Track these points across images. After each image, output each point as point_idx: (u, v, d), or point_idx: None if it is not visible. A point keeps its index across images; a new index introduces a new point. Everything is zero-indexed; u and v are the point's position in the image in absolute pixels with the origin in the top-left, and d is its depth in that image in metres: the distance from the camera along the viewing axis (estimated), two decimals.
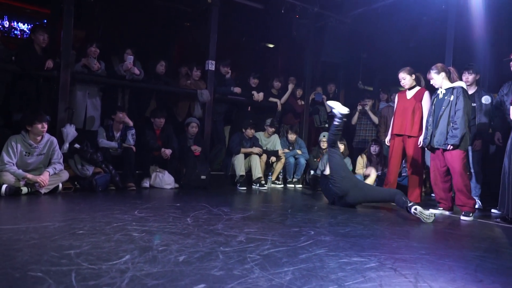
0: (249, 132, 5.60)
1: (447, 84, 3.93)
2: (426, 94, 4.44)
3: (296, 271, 1.79)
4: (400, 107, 4.59)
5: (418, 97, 4.49)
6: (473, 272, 1.96)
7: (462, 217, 3.74)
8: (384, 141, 5.48)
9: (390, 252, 2.26)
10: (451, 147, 3.74)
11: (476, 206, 4.54)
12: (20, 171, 3.72)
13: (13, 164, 3.72)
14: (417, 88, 4.53)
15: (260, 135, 6.00)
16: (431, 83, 4.06)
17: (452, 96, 3.81)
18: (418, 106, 4.46)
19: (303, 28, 6.59)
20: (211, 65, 5.71)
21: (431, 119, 4.01)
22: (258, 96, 6.15)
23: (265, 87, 6.53)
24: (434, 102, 4.04)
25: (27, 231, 2.29)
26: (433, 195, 5.54)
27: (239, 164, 5.39)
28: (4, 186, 3.58)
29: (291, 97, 6.72)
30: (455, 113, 3.77)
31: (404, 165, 5.07)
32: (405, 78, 4.47)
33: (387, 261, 2.05)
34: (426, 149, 4.29)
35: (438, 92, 4.00)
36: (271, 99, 6.43)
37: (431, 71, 4.01)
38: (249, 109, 6.59)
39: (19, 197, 3.62)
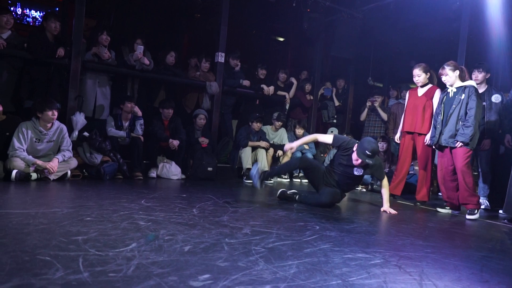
0: (256, 125, 5.59)
1: (459, 83, 3.87)
2: (438, 92, 4.38)
3: (301, 265, 1.79)
4: (410, 105, 4.54)
5: (429, 95, 4.43)
6: (478, 272, 1.95)
7: (468, 216, 3.71)
8: (392, 138, 5.46)
9: (395, 250, 2.25)
10: (460, 144, 3.69)
11: (484, 206, 4.51)
12: (30, 157, 3.77)
13: (24, 150, 3.77)
14: (429, 85, 4.47)
15: (268, 128, 5.99)
16: (443, 79, 3.97)
17: (464, 95, 3.76)
18: (429, 104, 4.41)
19: (314, 22, 6.54)
20: (220, 57, 5.70)
21: (440, 118, 3.96)
22: (268, 89, 6.13)
23: (273, 80, 6.51)
24: (444, 100, 3.97)
25: (36, 216, 2.32)
26: (440, 194, 5.52)
27: (246, 157, 5.40)
28: (14, 172, 3.63)
29: (299, 92, 6.69)
30: (466, 112, 3.72)
31: (412, 163, 5.03)
32: (420, 76, 4.41)
33: (392, 258, 2.04)
34: (433, 147, 4.24)
35: (449, 90, 3.94)
36: (280, 92, 6.41)
37: (446, 67, 3.90)
38: (257, 103, 6.58)
39: (29, 182, 3.67)
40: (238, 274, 1.61)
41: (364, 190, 5.62)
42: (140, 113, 4.88)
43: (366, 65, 7.66)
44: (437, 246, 2.45)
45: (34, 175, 3.77)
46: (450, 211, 4.01)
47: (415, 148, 4.52)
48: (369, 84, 7.62)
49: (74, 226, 2.16)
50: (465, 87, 3.79)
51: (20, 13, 6.37)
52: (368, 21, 6.70)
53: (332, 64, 7.90)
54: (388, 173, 5.27)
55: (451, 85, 3.91)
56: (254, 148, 5.58)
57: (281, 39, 8.28)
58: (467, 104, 3.72)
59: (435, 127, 4.04)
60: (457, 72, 3.86)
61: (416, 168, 5.23)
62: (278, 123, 5.98)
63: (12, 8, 6.14)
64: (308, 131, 6.58)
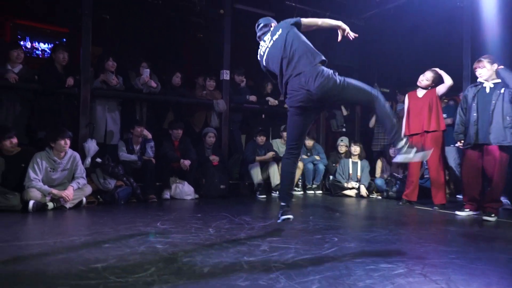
0: (260, 139, 5.58)
1: (495, 78, 3.71)
2: (438, 88, 4.39)
3: (323, 279, 1.75)
4: (413, 107, 4.53)
5: (431, 94, 4.42)
6: (508, 276, 1.88)
7: (485, 217, 3.61)
8: None
9: (418, 257, 2.20)
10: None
11: (507, 207, 4.41)
12: (46, 186, 3.81)
13: (39, 180, 3.81)
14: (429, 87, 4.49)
15: (277, 142, 5.98)
16: (478, 73, 3.78)
17: (503, 89, 3.60)
18: (433, 102, 4.38)
19: (315, 33, 6.56)
20: (225, 75, 5.75)
21: (475, 115, 3.73)
22: (274, 101, 6.15)
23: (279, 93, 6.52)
24: (477, 96, 3.78)
25: (55, 246, 2.33)
26: (458, 196, 5.42)
27: (255, 172, 5.39)
28: (31, 202, 3.66)
29: None
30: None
31: (426, 166, 4.96)
32: (429, 80, 4.42)
33: (416, 267, 1.99)
34: (448, 147, 4.16)
35: (485, 85, 3.74)
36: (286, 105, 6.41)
37: (484, 59, 3.71)
38: (263, 117, 6.58)
39: (46, 212, 3.69)
40: None
41: (380, 197, 5.54)
42: (150, 136, 4.92)
43: (371, 72, 7.64)
44: (461, 251, 2.38)
45: (50, 205, 3.80)
46: (470, 213, 3.91)
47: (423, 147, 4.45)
48: None
49: (92, 253, 2.15)
50: (504, 83, 3.63)
51: (29, 46, 6.54)
52: (369, 28, 6.71)
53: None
54: (403, 179, 5.22)
55: (487, 80, 3.75)
56: (264, 162, 5.56)
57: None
58: (510, 103, 3.56)
59: (463, 126, 3.89)
60: (495, 65, 3.71)
61: None
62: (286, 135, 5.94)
63: (22, 43, 6.31)
64: (318, 141, 6.55)
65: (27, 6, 6.13)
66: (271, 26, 3.05)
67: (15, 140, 3.88)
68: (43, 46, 6.67)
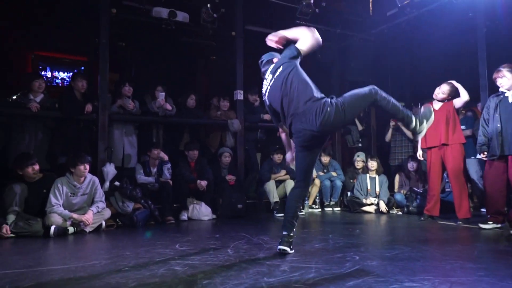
0: (277, 157, 5.58)
1: None
2: (455, 101, 4.33)
3: None
4: None
5: (448, 106, 4.37)
6: None
7: None
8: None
9: (444, 275, 2.12)
10: None
11: None
12: (66, 211, 3.87)
13: (60, 206, 3.88)
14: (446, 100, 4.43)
15: None
16: (498, 83, 3.73)
17: None
18: (451, 115, 4.32)
19: (327, 50, 6.62)
20: (239, 95, 5.81)
21: (499, 126, 3.66)
22: None
23: None
24: (499, 106, 3.71)
25: (76, 270, 2.35)
26: (483, 210, 5.25)
27: (272, 191, 5.36)
28: (52, 227, 3.72)
29: None
30: None
31: (447, 180, 4.84)
32: (445, 93, 4.38)
33: (443, 286, 1.91)
34: (469, 160, 4.07)
35: (507, 95, 3.69)
36: None
37: (503, 69, 3.66)
38: (278, 135, 6.58)
39: (67, 237, 3.74)
40: None
41: (400, 213, 5.42)
42: (166, 158, 4.97)
43: (384, 86, 7.58)
44: (489, 268, 2.29)
45: (71, 229, 3.85)
46: (494, 225, 3.77)
47: (443, 162, 4.36)
48: None
49: (113, 277, 2.16)
50: None
51: (50, 76, 6.77)
52: (381, 43, 6.72)
53: (350, 89, 7.87)
54: (423, 193, 5.10)
55: (508, 89, 3.69)
56: (281, 181, 5.53)
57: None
58: None
59: (486, 137, 3.83)
60: None
61: None
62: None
63: (43, 73, 6.54)
64: (334, 158, 6.49)
65: (47, 38, 6.38)
66: (273, 62, 2.94)
67: (37, 167, 3.98)
68: (62, 75, 6.89)
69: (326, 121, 2.49)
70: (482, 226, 3.81)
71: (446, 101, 4.43)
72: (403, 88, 7.54)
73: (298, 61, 2.77)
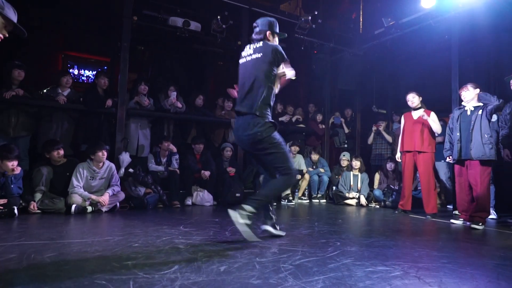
0: (293, 148, 5.63)
1: (475, 102, 3.76)
2: (433, 114, 4.33)
3: (326, 280, 1.72)
4: (408, 126, 4.50)
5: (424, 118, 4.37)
6: (495, 280, 1.82)
7: (474, 226, 3.50)
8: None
9: (413, 261, 2.14)
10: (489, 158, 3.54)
11: (492, 216, 4.27)
12: (86, 192, 3.88)
13: (81, 187, 3.88)
14: (422, 109, 4.42)
15: None
16: (462, 96, 3.83)
17: (481, 111, 3.65)
18: (426, 124, 4.34)
19: (321, 61, 6.62)
20: None
21: (459, 134, 3.76)
22: (286, 119, 6.24)
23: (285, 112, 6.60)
24: (460, 117, 3.81)
25: (92, 244, 2.36)
26: (449, 206, 5.28)
27: None
28: (73, 206, 3.73)
29: (312, 122, 6.69)
30: (487, 127, 3.59)
31: (419, 179, 4.87)
32: (415, 97, 4.42)
33: (411, 270, 1.94)
34: (439, 163, 4.11)
35: (466, 108, 3.79)
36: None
37: (469, 85, 3.79)
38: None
39: (85, 215, 3.75)
40: None
41: (378, 206, 5.44)
42: (175, 150, 4.97)
43: (370, 95, 7.61)
44: (452, 256, 2.31)
45: (89, 208, 3.86)
46: (461, 221, 3.80)
47: (415, 164, 4.40)
48: (374, 111, 7.54)
49: (124, 252, 2.17)
50: (483, 105, 3.68)
51: (76, 73, 6.75)
52: (368, 57, 6.72)
53: (339, 96, 7.89)
54: (399, 190, 5.12)
55: (468, 102, 3.78)
56: None
57: (293, 78, 8.37)
58: (487, 120, 3.61)
59: (451, 143, 3.93)
60: (477, 90, 3.76)
61: None
62: (294, 148, 5.90)
63: (70, 70, 6.52)
64: (323, 156, 6.50)
65: (76, 40, 6.37)
66: (262, 38, 2.68)
67: (61, 152, 3.98)
68: (88, 73, 6.88)
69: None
70: (453, 221, 3.84)
71: (421, 108, 4.43)
72: (385, 97, 7.57)
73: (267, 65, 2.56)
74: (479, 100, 3.77)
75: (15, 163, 3.53)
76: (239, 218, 2.37)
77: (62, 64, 6.60)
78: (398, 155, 4.68)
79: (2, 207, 3.35)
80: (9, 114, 4.19)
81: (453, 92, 4.87)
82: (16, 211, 3.42)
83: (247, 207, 2.40)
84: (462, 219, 3.80)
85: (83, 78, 6.85)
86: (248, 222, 2.39)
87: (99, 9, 5.40)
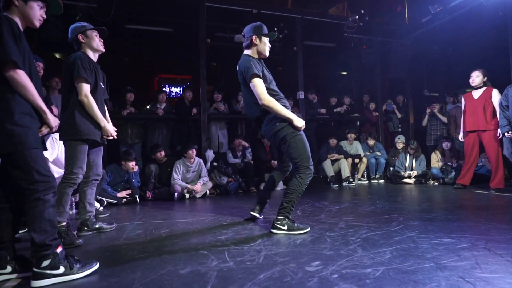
0: (332, 142, 5.40)
1: None
2: (495, 92, 3.73)
3: (394, 251, 1.63)
4: (469, 107, 3.92)
5: (486, 95, 3.78)
6: None
7: None
8: (456, 137, 4.77)
9: (480, 234, 1.90)
10: None
11: None
12: (183, 183, 4.21)
13: (179, 179, 4.23)
14: (483, 88, 3.83)
15: (344, 143, 5.71)
16: None
17: None
18: (488, 103, 3.75)
19: (370, 55, 6.17)
20: (301, 95, 5.72)
21: None
22: (341, 109, 6.00)
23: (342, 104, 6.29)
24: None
25: (193, 223, 2.56)
26: None
27: (328, 167, 5.23)
28: (175, 194, 4.09)
29: (366, 110, 6.30)
30: None
31: (480, 155, 4.26)
32: (479, 77, 3.83)
33: (479, 242, 1.72)
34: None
35: None
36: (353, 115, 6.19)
37: None
38: (332, 125, 6.38)
39: (184, 200, 4.07)
40: (342, 260, 1.53)
41: (436, 184, 4.92)
42: (247, 145, 5.10)
43: (420, 80, 6.87)
44: None
45: (187, 195, 4.19)
46: None
47: (481, 143, 3.84)
48: (426, 95, 6.80)
49: (217, 229, 2.31)
50: None
51: (168, 91, 7.35)
52: (417, 44, 6.06)
53: (390, 84, 7.28)
54: (457, 167, 4.56)
55: None
56: (336, 160, 5.37)
57: (345, 73, 7.97)
58: None
59: (507, 119, 3.48)
60: None
61: (484, 159, 4.41)
62: (351, 135, 5.64)
63: (164, 89, 7.14)
64: (378, 141, 6.09)
65: (166, 65, 6.92)
66: (249, 44, 2.43)
67: (163, 153, 4.38)
68: (176, 89, 7.44)
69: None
70: None
71: (483, 87, 3.85)
72: (437, 81, 6.77)
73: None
74: None
75: (134, 163, 3.99)
76: (280, 230, 2.11)
77: (158, 85, 7.24)
78: (461, 135, 4.13)
79: (128, 196, 3.83)
80: (127, 127, 4.76)
81: None
82: (137, 198, 3.88)
83: (280, 217, 2.16)
84: None
85: (172, 94, 7.43)
86: (288, 225, 2.12)
87: (180, 37, 5.77)
